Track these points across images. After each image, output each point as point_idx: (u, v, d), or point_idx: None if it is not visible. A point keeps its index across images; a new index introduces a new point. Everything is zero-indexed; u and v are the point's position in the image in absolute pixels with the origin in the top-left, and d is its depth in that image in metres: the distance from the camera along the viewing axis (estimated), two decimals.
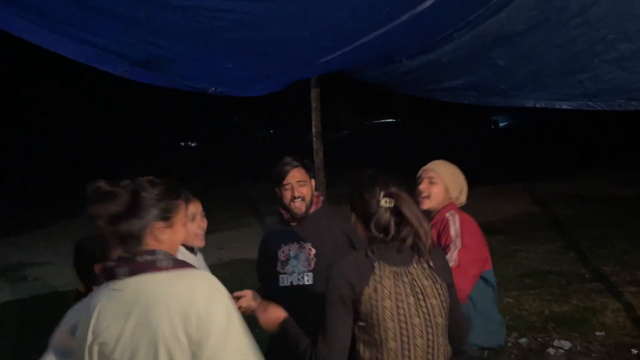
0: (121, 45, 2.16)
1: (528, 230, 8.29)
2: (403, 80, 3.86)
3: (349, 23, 2.44)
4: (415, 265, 1.72)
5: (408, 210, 1.70)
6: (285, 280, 2.61)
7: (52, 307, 5.91)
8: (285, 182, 2.57)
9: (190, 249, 2.34)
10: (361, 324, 1.68)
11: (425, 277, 1.72)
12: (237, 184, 15.46)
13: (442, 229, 2.46)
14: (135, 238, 1.49)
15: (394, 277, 1.68)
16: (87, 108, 18.83)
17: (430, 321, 1.69)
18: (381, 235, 1.71)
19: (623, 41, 2.69)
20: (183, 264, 1.49)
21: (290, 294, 2.52)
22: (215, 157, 20.37)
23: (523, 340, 4.46)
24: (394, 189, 1.73)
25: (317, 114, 4.31)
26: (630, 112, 3.25)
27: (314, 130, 4.32)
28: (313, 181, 2.67)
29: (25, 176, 15.72)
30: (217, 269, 4.78)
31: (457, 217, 2.46)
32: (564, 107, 3.29)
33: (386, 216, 1.71)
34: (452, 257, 2.31)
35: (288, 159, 2.60)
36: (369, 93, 22.18)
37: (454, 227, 2.42)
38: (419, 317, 1.68)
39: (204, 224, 2.32)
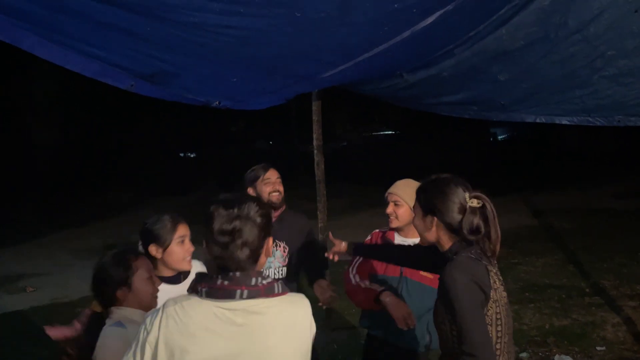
0: (127, 60, 2.19)
1: (527, 243, 8.30)
2: (403, 94, 3.90)
3: (351, 39, 2.47)
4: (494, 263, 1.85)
5: (490, 211, 1.81)
6: None
7: (51, 319, 5.88)
8: (265, 177, 2.94)
9: (175, 279, 2.32)
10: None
11: (500, 274, 1.86)
12: None
13: None
14: (254, 256, 1.52)
15: (497, 276, 1.81)
16: (87, 119, 18.85)
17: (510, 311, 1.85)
18: (472, 237, 1.80)
19: (622, 58, 2.72)
20: (286, 289, 1.56)
21: None
22: (213, 167, 20.36)
23: (524, 354, 4.46)
24: (475, 191, 1.84)
25: (318, 127, 4.35)
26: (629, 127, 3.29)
27: (315, 143, 4.35)
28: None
29: (24, 186, 15.70)
30: None
31: None
32: (564, 122, 3.32)
33: (476, 217, 1.80)
34: None
35: (260, 164, 3.01)
36: (368, 105, 22.27)
37: None
38: (509, 310, 1.83)
39: (192, 247, 2.33)
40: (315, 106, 4.31)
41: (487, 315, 1.74)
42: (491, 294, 1.75)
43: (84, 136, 19.35)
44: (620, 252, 7.25)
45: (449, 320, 1.75)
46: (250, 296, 1.46)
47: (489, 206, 1.80)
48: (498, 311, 1.75)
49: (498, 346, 1.75)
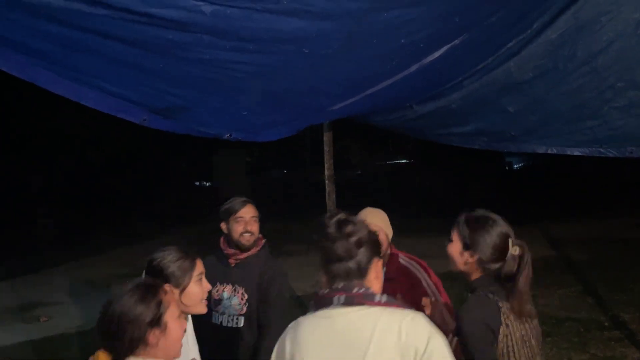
0: (141, 95, 2.25)
1: (544, 274, 8.11)
2: (413, 125, 3.92)
3: (359, 74, 2.51)
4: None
5: (526, 263, 1.83)
6: (216, 319, 2.71)
7: (62, 350, 5.88)
8: (239, 215, 2.70)
9: None
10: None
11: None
12: None
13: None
14: (363, 269, 1.51)
15: (512, 310, 1.81)
16: (102, 149, 19.18)
17: (538, 337, 1.87)
18: (505, 282, 1.82)
19: (631, 89, 2.72)
20: (395, 303, 1.51)
21: (220, 333, 2.63)
22: (228, 196, 20.50)
23: None
24: (519, 239, 1.87)
25: (330, 158, 4.37)
26: None
27: (326, 173, 4.37)
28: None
29: (42, 214, 15.91)
30: None
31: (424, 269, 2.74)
32: (576, 153, 3.30)
33: (514, 265, 1.83)
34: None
35: (240, 197, 2.77)
36: (382, 134, 22.34)
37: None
38: (534, 337, 1.85)
39: (209, 285, 2.03)
40: (327, 137, 4.34)
41: (499, 349, 1.78)
42: (501, 330, 1.78)
43: (99, 167, 19.66)
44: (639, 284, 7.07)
45: (464, 354, 1.82)
46: (347, 302, 1.45)
47: (526, 258, 1.83)
48: (510, 344, 1.77)
49: None
